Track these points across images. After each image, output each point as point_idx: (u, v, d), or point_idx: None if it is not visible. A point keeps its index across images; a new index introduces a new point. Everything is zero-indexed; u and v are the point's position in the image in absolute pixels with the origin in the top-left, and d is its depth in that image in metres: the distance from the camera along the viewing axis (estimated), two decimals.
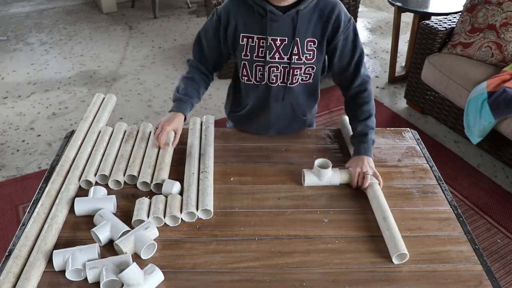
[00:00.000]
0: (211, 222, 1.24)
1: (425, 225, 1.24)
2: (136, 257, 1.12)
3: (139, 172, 1.35)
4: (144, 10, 4.48)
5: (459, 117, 2.60)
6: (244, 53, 1.39)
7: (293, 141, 1.56)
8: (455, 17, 2.79)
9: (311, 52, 1.38)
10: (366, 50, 3.76)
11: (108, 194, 1.31)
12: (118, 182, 1.33)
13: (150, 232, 1.15)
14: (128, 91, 3.20)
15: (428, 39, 2.69)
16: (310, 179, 1.35)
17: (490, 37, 2.50)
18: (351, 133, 1.50)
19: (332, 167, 1.39)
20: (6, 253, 1.12)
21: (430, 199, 1.34)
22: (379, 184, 1.33)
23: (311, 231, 1.22)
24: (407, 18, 3.81)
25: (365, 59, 3.61)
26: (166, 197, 1.27)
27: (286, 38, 1.35)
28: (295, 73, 1.41)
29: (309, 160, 1.47)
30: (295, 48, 1.36)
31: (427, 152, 1.53)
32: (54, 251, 1.09)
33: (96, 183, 1.34)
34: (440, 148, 2.68)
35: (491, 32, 2.49)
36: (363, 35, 4.00)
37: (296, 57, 1.37)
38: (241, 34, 1.37)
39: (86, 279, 1.05)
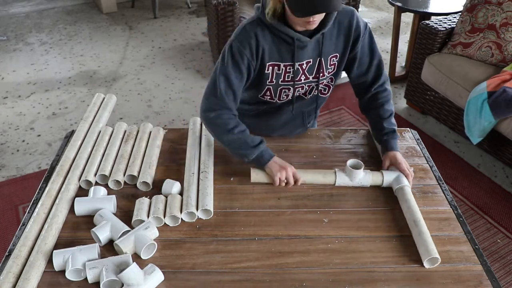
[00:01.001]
0: (211, 222, 1.24)
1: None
2: (136, 257, 1.12)
3: (139, 172, 1.35)
4: (144, 10, 4.48)
5: (459, 117, 2.60)
6: (269, 80, 1.37)
7: (294, 141, 1.56)
8: (455, 17, 2.79)
9: (333, 66, 1.40)
10: None
11: (108, 194, 1.31)
12: (118, 182, 1.33)
13: (150, 232, 1.15)
14: (128, 91, 3.20)
15: (428, 39, 2.69)
16: (341, 179, 1.35)
17: (490, 37, 2.50)
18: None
19: (333, 167, 1.39)
20: (6, 253, 1.12)
21: (430, 199, 1.34)
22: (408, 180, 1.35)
23: (311, 231, 1.22)
24: (407, 18, 3.81)
25: None
26: (166, 197, 1.27)
27: (311, 59, 1.35)
28: (319, 87, 1.43)
29: (309, 160, 1.47)
30: (319, 66, 1.37)
31: (427, 152, 1.53)
32: (54, 251, 1.09)
33: (96, 183, 1.34)
34: (440, 148, 2.68)
35: (491, 32, 2.49)
36: None
37: (321, 74, 1.39)
38: (267, 64, 1.33)
39: (86, 279, 1.05)
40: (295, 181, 1.32)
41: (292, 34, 1.27)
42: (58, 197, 1.26)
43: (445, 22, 2.72)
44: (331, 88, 1.46)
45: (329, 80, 1.43)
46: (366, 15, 4.37)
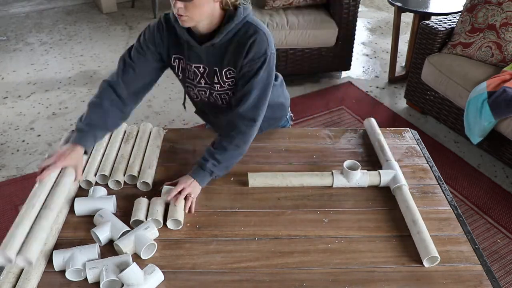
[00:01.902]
0: (211, 222, 1.24)
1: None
2: (136, 257, 1.12)
3: (139, 172, 1.35)
4: (144, 10, 4.48)
5: (459, 117, 2.60)
6: (176, 72, 1.41)
7: (293, 141, 1.56)
8: (455, 17, 2.79)
9: (232, 79, 1.36)
10: (366, 50, 3.76)
11: (108, 194, 1.31)
12: (118, 182, 1.33)
13: (150, 232, 1.15)
14: None
15: (428, 39, 2.69)
16: (338, 180, 1.35)
17: (490, 37, 2.50)
18: (378, 136, 1.51)
19: (332, 167, 1.39)
20: None
21: (430, 199, 1.34)
22: (190, 211, 1.26)
23: (311, 231, 1.22)
24: (407, 18, 3.81)
25: (365, 59, 3.61)
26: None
27: (206, 68, 1.35)
28: (222, 97, 1.42)
29: (309, 160, 1.47)
30: (216, 76, 1.36)
31: (427, 152, 1.53)
32: (54, 251, 1.09)
33: (96, 183, 1.34)
34: (440, 148, 2.68)
35: (491, 32, 2.49)
36: (363, 35, 4.00)
37: (218, 85, 1.38)
38: (172, 55, 1.37)
39: (86, 279, 1.05)
40: (47, 169, 1.18)
41: (184, 35, 1.30)
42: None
43: (445, 22, 2.72)
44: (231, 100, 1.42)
45: (232, 92, 1.39)
46: (366, 15, 4.37)
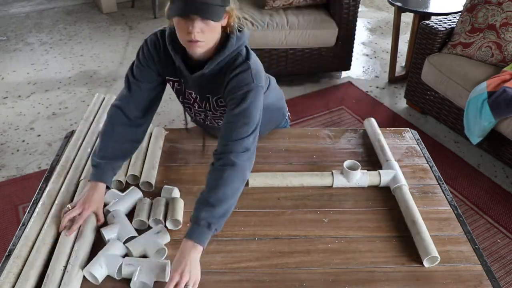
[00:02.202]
0: None
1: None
2: None
3: (140, 172, 1.35)
4: (144, 10, 4.48)
5: (459, 117, 2.60)
6: (173, 91, 1.38)
7: (293, 141, 1.56)
8: (455, 17, 2.79)
9: (224, 107, 1.32)
10: (366, 50, 3.76)
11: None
12: (120, 182, 1.33)
13: (161, 237, 1.15)
14: None
15: (428, 39, 2.69)
16: (338, 180, 1.35)
17: (490, 37, 2.50)
18: (378, 136, 1.51)
19: (333, 168, 1.39)
20: (6, 253, 1.12)
21: (430, 199, 1.34)
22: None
23: (311, 231, 1.22)
24: (407, 18, 3.81)
25: (365, 59, 3.60)
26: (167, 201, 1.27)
27: (198, 96, 1.33)
28: (216, 121, 1.41)
29: (309, 160, 1.47)
30: (208, 103, 1.33)
31: (427, 152, 1.53)
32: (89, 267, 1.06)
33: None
34: (440, 148, 2.68)
35: (491, 32, 2.49)
36: (363, 35, 4.00)
37: (211, 112, 1.36)
38: (167, 76, 1.32)
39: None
40: (76, 223, 1.15)
41: (176, 59, 1.23)
42: (58, 197, 1.26)
43: (445, 22, 2.72)
44: None
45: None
46: (366, 15, 4.37)
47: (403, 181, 1.33)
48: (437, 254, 1.11)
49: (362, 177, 1.35)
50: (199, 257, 1.07)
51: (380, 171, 1.36)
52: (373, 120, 1.61)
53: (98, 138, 1.29)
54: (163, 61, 1.28)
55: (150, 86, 1.31)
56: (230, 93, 1.20)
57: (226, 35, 1.21)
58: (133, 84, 1.30)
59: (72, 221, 1.16)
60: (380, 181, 1.35)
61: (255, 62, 1.24)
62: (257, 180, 1.34)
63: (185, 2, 1.08)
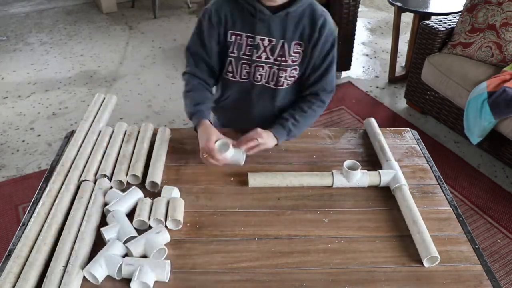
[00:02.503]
0: (211, 222, 1.24)
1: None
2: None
3: (142, 173, 1.35)
4: (144, 10, 4.48)
5: (459, 117, 2.60)
6: (231, 50, 1.40)
7: (293, 141, 1.56)
8: (455, 17, 2.79)
9: (297, 55, 1.39)
10: (366, 50, 3.76)
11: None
12: (120, 182, 1.33)
13: (161, 237, 1.15)
14: (128, 91, 3.20)
15: (428, 39, 2.69)
16: (338, 180, 1.35)
17: (490, 37, 2.50)
18: (378, 136, 1.52)
19: (333, 168, 1.39)
20: (6, 253, 1.12)
21: (430, 199, 1.34)
22: (248, 150, 1.33)
23: (311, 231, 1.22)
24: (407, 18, 3.81)
25: (365, 59, 3.61)
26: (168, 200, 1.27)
27: (274, 39, 1.36)
28: (280, 74, 1.42)
29: (309, 160, 1.47)
30: (282, 49, 1.37)
31: (427, 152, 1.53)
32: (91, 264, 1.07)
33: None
34: (440, 148, 2.68)
35: (491, 32, 2.49)
36: (363, 35, 4.00)
37: (283, 58, 1.39)
38: (230, 31, 1.37)
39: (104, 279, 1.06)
40: (215, 159, 1.30)
41: (255, 5, 1.31)
42: (58, 197, 1.26)
43: (445, 22, 2.72)
44: (296, 78, 1.46)
45: (294, 70, 1.43)
46: (366, 15, 4.37)
47: (403, 181, 1.33)
48: (437, 254, 1.11)
49: (362, 177, 1.35)
50: (273, 145, 1.38)
51: (380, 171, 1.36)
52: (373, 120, 1.61)
53: (184, 99, 1.44)
54: (229, 18, 1.36)
55: (216, 50, 1.41)
56: (325, 39, 1.37)
57: None
58: (195, 56, 1.43)
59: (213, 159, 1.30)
60: (380, 181, 1.35)
61: None
62: (257, 180, 1.34)
63: None
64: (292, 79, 1.46)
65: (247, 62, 1.41)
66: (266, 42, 1.37)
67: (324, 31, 1.36)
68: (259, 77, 1.44)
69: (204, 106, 1.40)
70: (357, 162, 1.35)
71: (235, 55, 1.41)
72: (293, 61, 1.40)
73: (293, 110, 1.44)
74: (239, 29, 1.37)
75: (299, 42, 1.38)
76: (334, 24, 1.40)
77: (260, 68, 1.42)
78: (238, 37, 1.38)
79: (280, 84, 1.45)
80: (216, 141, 1.32)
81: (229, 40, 1.39)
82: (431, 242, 1.14)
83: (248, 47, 1.38)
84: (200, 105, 1.40)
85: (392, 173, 1.35)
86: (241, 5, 1.34)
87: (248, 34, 1.37)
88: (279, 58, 1.39)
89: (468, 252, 1.17)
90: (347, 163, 1.35)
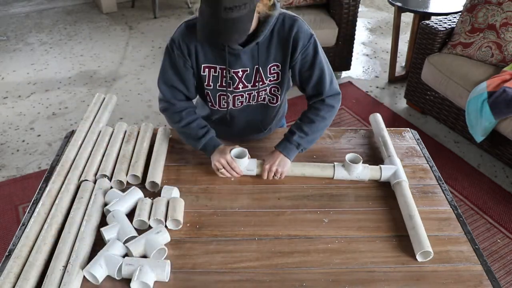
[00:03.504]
0: (211, 222, 1.24)
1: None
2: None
3: (142, 173, 1.35)
4: (144, 10, 4.48)
5: (459, 117, 2.60)
6: (206, 83, 1.35)
7: None
8: (455, 17, 2.79)
9: (275, 74, 1.36)
10: (366, 50, 3.76)
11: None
12: (120, 182, 1.33)
13: (161, 237, 1.15)
14: (128, 91, 3.20)
15: (428, 39, 2.69)
16: (339, 173, 1.36)
17: (490, 37, 2.50)
18: (382, 131, 1.53)
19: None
20: (6, 253, 1.12)
21: (430, 199, 1.34)
22: (276, 174, 1.35)
23: (311, 231, 1.22)
24: (407, 18, 3.81)
25: (365, 59, 3.60)
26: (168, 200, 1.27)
27: (248, 69, 1.32)
28: (260, 94, 1.40)
29: (309, 160, 1.47)
30: (258, 76, 1.33)
31: (427, 152, 1.53)
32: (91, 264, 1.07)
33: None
34: (440, 148, 2.68)
35: (491, 32, 2.49)
36: (363, 35, 4.00)
37: (260, 82, 1.35)
38: (203, 65, 1.32)
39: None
40: (234, 169, 1.34)
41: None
42: (58, 197, 1.26)
43: (445, 22, 2.72)
44: (279, 98, 1.42)
45: (275, 89, 1.39)
46: (366, 15, 4.37)
47: (403, 177, 1.33)
48: (430, 249, 1.12)
49: (363, 171, 1.36)
50: (289, 164, 1.36)
51: (382, 166, 1.37)
52: (378, 115, 1.62)
53: (182, 132, 1.41)
54: (200, 50, 1.30)
55: (192, 80, 1.36)
56: (302, 51, 1.30)
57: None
58: (174, 89, 1.36)
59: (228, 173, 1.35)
60: (381, 175, 1.35)
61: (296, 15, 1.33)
62: (260, 169, 1.36)
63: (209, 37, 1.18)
64: (273, 96, 1.42)
65: (224, 94, 1.38)
66: (240, 74, 1.33)
67: (299, 42, 1.29)
68: (240, 104, 1.42)
69: (210, 135, 1.39)
70: (359, 156, 1.36)
71: (211, 87, 1.36)
72: (271, 81, 1.37)
73: (300, 121, 1.40)
74: (212, 62, 1.31)
75: (274, 64, 1.33)
76: (305, 24, 1.34)
77: (239, 96, 1.39)
78: (212, 70, 1.32)
79: (261, 100, 1.42)
80: (230, 150, 1.35)
81: (202, 74, 1.33)
82: (426, 237, 1.15)
83: (224, 79, 1.34)
84: (206, 134, 1.38)
85: (393, 169, 1.36)
86: None
87: (222, 67, 1.31)
88: (256, 84, 1.36)
89: (468, 252, 1.17)
90: (349, 156, 1.37)
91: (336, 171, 1.36)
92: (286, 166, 1.35)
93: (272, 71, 1.34)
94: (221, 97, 1.38)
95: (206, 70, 1.33)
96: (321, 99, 1.38)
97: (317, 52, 1.33)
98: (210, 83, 1.35)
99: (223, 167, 1.35)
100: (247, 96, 1.39)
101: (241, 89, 1.36)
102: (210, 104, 1.42)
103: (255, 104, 1.44)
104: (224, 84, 1.34)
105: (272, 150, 1.38)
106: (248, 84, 1.35)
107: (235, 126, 1.50)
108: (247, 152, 1.36)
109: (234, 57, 1.29)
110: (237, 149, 1.37)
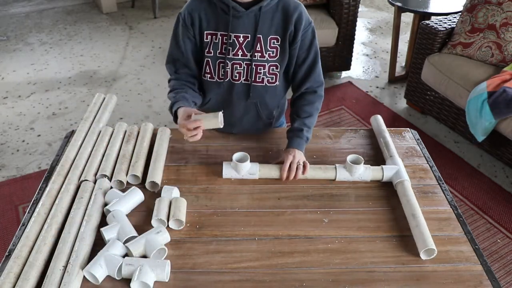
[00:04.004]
0: (211, 222, 1.24)
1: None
2: None
3: (142, 173, 1.35)
4: (144, 10, 4.48)
5: (459, 117, 2.60)
6: (207, 50, 1.40)
7: None
8: (455, 17, 2.79)
9: (274, 50, 1.39)
10: (366, 50, 3.76)
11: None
12: (120, 182, 1.33)
13: (161, 237, 1.15)
14: (128, 91, 3.20)
15: (428, 39, 2.69)
16: (341, 174, 1.37)
17: (490, 37, 2.50)
18: (383, 132, 1.54)
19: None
20: (6, 253, 1.12)
21: (430, 199, 1.34)
22: (303, 173, 1.36)
23: (311, 231, 1.22)
24: (407, 18, 3.81)
25: (365, 59, 3.61)
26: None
27: (249, 35, 1.36)
28: (258, 70, 1.41)
29: (309, 160, 1.46)
30: (258, 45, 1.37)
31: (427, 152, 1.53)
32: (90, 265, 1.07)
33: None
34: (440, 148, 2.68)
35: (491, 32, 2.49)
36: (363, 35, 4.00)
37: (259, 54, 1.39)
38: (205, 32, 1.38)
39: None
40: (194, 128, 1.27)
41: (228, 2, 1.31)
42: (58, 197, 1.26)
43: (445, 22, 2.72)
44: (278, 76, 1.44)
45: (273, 67, 1.42)
46: (366, 15, 4.37)
47: (405, 176, 1.34)
48: (434, 247, 1.12)
49: (365, 172, 1.36)
50: (303, 156, 1.38)
51: (383, 166, 1.38)
52: (379, 117, 1.63)
53: (170, 98, 1.43)
54: (204, 18, 1.37)
55: (191, 51, 1.42)
56: (303, 32, 1.37)
57: None
58: (176, 65, 1.44)
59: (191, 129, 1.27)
60: (383, 176, 1.36)
61: None
62: (262, 171, 1.36)
63: None
64: (273, 76, 1.44)
65: (223, 61, 1.41)
66: (241, 39, 1.37)
67: (300, 25, 1.36)
68: (237, 75, 1.42)
69: (184, 97, 1.39)
70: (360, 157, 1.36)
71: (211, 54, 1.41)
72: (270, 56, 1.40)
73: (298, 116, 1.44)
74: (214, 28, 1.37)
75: (275, 36, 1.38)
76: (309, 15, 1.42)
77: (238, 65, 1.41)
78: (214, 36, 1.38)
79: (258, 80, 1.43)
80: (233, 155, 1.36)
81: (205, 40, 1.39)
82: (429, 235, 1.15)
83: (224, 45, 1.38)
84: (181, 97, 1.38)
85: (395, 169, 1.36)
86: (214, 3, 1.35)
87: (223, 33, 1.37)
88: (256, 54, 1.39)
89: (468, 252, 1.17)
90: (350, 157, 1.37)
91: (338, 173, 1.36)
92: (302, 158, 1.39)
93: (272, 45, 1.38)
94: (220, 64, 1.42)
95: (209, 36, 1.38)
96: (313, 90, 1.45)
97: (314, 37, 1.41)
98: (211, 50, 1.40)
99: (187, 132, 1.28)
100: (245, 67, 1.41)
101: (240, 56, 1.39)
102: (209, 75, 1.44)
103: (255, 85, 1.44)
104: (224, 51, 1.39)
105: (285, 152, 1.39)
106: (248, 53, 1.39)
107: (236, 110, 1.51)
108: (248, 156, 1.36)
109: (236, 21, 1.34)
110: (238, 154, 1.37)
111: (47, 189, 1.29)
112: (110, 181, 1.33)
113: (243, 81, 1.44)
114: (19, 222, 2.15)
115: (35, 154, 2.61)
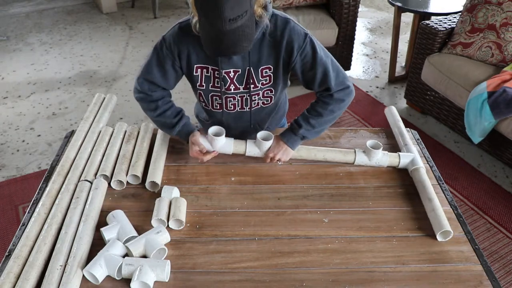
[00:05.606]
0: (211, 222, 1.24)
1: (425, 225, 1.24)
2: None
3: (142, 173, 1.35)
4: (144, 10, 4.48)
5: (459, 117, 2.60)
6: (199, 83, 1.36)
7: None
8: (455, 17, 2.79)
9: (267, 78, 1.34)
10: (366, 50, 3.76)
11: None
12: (120, 182, 1.33)
13: (161, 237, 1.15)
14: (128, 91, 3.20)
15: (428, 39, 2.69)
16: (360, 158, 1.41)
17: (490, 37, 2.50)
18: (398, 122, 1.57)
19: (333, 168, 1.39)
20: (6, 253, 1.12)
21: None
22: (279, 160, 1.39)
23: (311, 231, 1.22)
24: (407, 18, 3.81)
25: (365, 59, 3.60)
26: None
27: (240, 69, 1.31)
28: (253, 99, 1.39)
29: (309, 160, 1.47)
30: (250, 77, 1.33)
31: (427, 152, 1.53)
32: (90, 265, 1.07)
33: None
34: (440, 148, 2.68)
35: (491, 32, 2.49)
36: (363, 35, 4.00)
37: (252, 85, 1.35)
38: (195, 65, 1.32)
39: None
40: (207, 153, 1.37)
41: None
42: (58, 197, 1.26)
43: (445, 22, 2.72)
44: (273, 98, 1.42)
45: (268, 91, 1.39)
46: (366, 15, 4.37)
47: (420, 163, 1.40)
48: (450, 229, 1.17)
49: (383, 157, 1.41)
50: (291, 155, 1.39)
51: (400, 153, 1.43)
52: (393, 108, 1.68)
53: (158, 120, 1.40)
54: (192, 51, 1.29)
55: (169, 83, 1.38)
56: (299, 51, 1.28)
57: None
58: (151, 84, 1.36)
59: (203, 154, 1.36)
60: (399, 162, 1.41)
61: (287, 16, 1.30)
62: (237, 147, 1.40)
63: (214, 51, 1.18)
64: (268, 98, 1.42)
65: (217, 94, 1.38)
66: (232, 74, 1.32)
67: (293, 48, 1.27)
68: (232, 106, 1.41)
69: (183, 117, 1.40)
70: (379, 142, 1.41)
71: (203, 88, 1.37)
72: (263, 84, 1.36)
73: (308, 113, 1.38)
74: (204, 62, 1.31)
75: (267, 66, 1.32)
76: (298, 24, 1.31)
77: (231, 98, 1.38)
78: (205, 70, 1.33)
79: (254, 105, 1.42)
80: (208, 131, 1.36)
81: (195, 74, 1.33)
82: (445, 218, 1.20)
83: (216, 79, 1.34)
84: (180, 118, 1.39)
85: (411, 156, 1.42)
86: (199, 38, 1.24)
87: (214, 67, 1.31)
88: (248, 86, 1.35)
89: (468, 252, 1.17)
90: (370, 142, 1.41)
91: (357, 157, 1.41)
92: (289, 156, 1.39)
93: (264, 74, 1.33)
94: (214, 97, 1.39)
95: (199, 70, 1.33)
96: (330, 93, 1.35)
97: (315, 51, 1.29)
98: (203, 84, 1.36)
99: (201, 158, 1.37)
100: (239, 99, 1.38)
101: (233, 91, 1.36)
102: (204, 104, 1.43)
103: (249, 111, 1.43)
104: (216, 84, 1.35)
105: (277, 139, 1.39)
106: (240, 86, 1.35)
107: (234, 131, 1.49)
108: (224, 130, 1.37)
109: (225, 58, 1.29)
110: (214, 128, 1.38)
111: (47, 189, 1.29)
112: (110, 181, 1.33)
113: (238, 110, 1.43)
114: (19, 222, 2.15)
115: (35, 154, 2.61)
